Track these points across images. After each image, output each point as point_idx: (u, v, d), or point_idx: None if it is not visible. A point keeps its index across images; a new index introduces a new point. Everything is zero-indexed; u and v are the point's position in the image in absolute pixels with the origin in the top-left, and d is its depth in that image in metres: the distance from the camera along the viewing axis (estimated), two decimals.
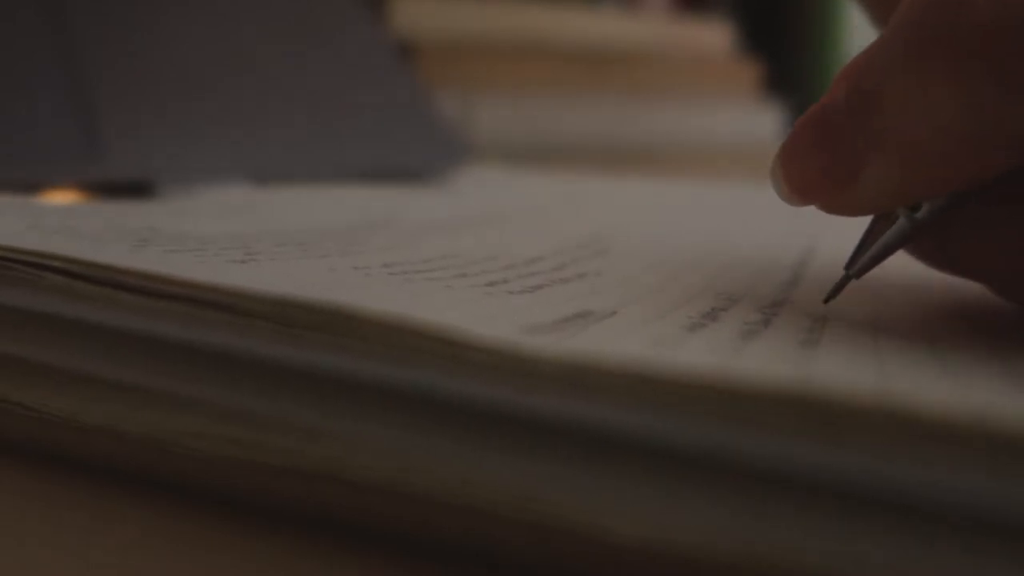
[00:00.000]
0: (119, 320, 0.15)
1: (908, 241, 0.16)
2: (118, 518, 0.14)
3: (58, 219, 0.21)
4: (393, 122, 0.42)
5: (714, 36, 0.92)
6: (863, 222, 0.16)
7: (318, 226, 0.24)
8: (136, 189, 0.31)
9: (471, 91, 0.65)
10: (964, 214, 0.15)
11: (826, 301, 0.16)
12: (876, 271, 0.16)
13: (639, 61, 0.80)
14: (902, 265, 0.17)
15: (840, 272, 0.16)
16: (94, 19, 0.34)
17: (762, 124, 0.88)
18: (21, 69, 0.31)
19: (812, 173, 0.15)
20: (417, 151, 0.42)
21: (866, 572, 0.11)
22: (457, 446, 0.12)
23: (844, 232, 0.17)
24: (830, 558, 0.11)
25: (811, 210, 0.16)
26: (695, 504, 0.11)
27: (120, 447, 0.15)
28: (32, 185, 0.29)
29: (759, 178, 0.17)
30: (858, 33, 1.03)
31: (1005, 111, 0.13)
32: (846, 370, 0.12)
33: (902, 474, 0.10)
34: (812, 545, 0.11)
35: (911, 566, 0.10)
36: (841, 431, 0.11)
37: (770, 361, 0.13)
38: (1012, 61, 0.13)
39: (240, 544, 0.13)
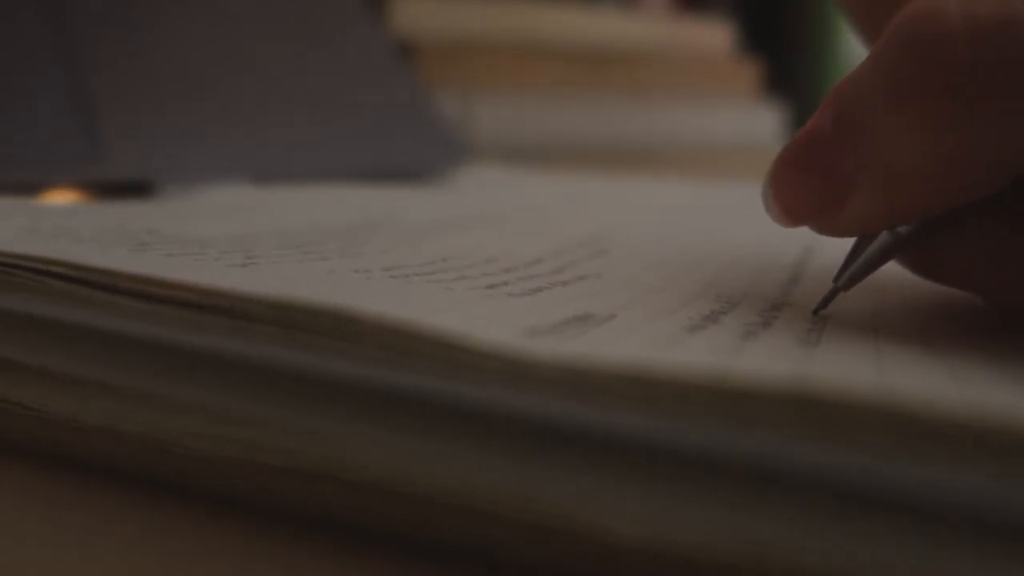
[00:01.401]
0: (120, 324, 0.15)
1: (894, 255, 0.16)
2: (118, 518, 0.14)
3: (58, 221, 0.21)
4: (393, 122, 0.42)
5: (714, 36, 0.92)
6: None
7: (318, 226, 0.24)
8: (136, 189, 0.31)
9: (471, 91, 0.65)
10: (950, 227, 0.16)
11: (815, 312, 0.16)
12: (876, 271, 0.17)
13: (639, 61, 0.80)
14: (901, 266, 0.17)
15: (830, 283, 0.17)
16: (94, 19, 0.34)
17: (762, 124, 0.88)
18: (21, 69, 0.31)
19: (801, 196, 0.16)
20: (417, 151, 0.42)
21: (866, 572, 0.11)
22: (457, 447, 0.12)
23: None
24: (830, 558, 0.11)
25: None
26: (695, 504, 0.11)
27: (120, 447, 0.15)
28: (32, 185, 0.29)
29: (759, 178, 0.17)
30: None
31: (981, 142, 0.14)
32: (846, 370, 0.12)
33: (902, 474, 0.10)
34: (812, 545, 0.11)
35: (911, 566, 0.10)
36: (841, 431, 0.11)
37: (770, 361, 0.13)
38: (984, 96, 0.14)
39: (240, 544, 0.13)
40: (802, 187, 0.16)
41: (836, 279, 0.16)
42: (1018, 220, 0.15)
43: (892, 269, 0.17)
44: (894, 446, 0.10)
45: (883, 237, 0.16)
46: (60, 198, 0.30)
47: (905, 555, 0.10)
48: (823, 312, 0.16)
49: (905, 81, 0.14)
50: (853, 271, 0.16)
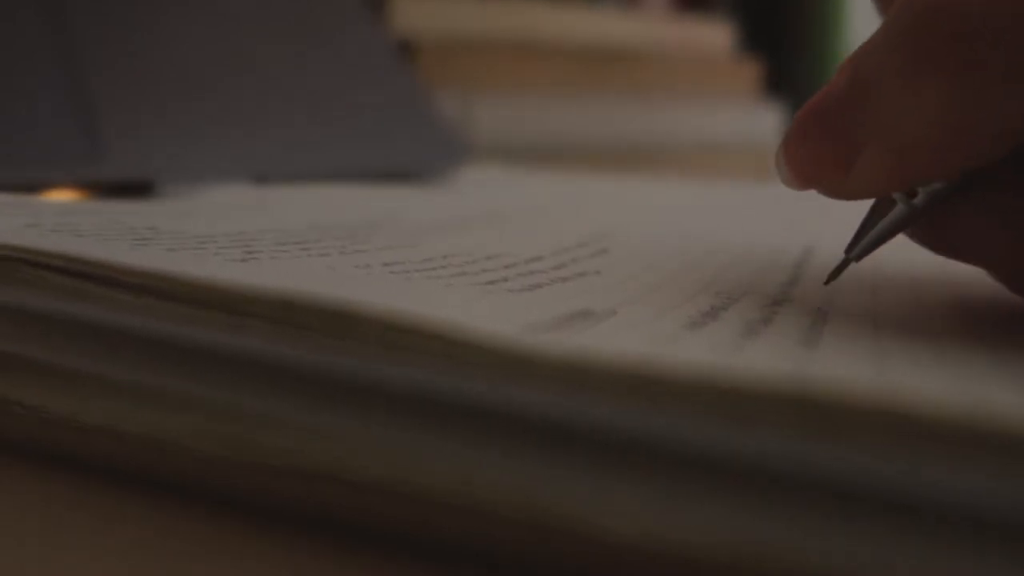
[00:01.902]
0: (119, 319, 0.15)
1: (905, 226, 0.17)
2: (118, 518, 0.14)
3: (58, 218, 0.21)
4: (393, 122, 0.42)
5: (714, 36, 0.92)
6: (862, 214, 0.17)
7: (318, 225, 0.24)
8: (136, 189, 0.31)
9: (471, 91, 0.65)
10: (961, 199, 0.16)
11: (827, 283, 0.17)
12: (878, 268, 0.17)
13: (639, 61, 0.80)
14: (904, 260, 0.17)
15: (841, 256, 0.17)
16: (94, 19, 0.34)
17: (762, 124, 0.88)
18: (21, 69, 0.31)
19: (812, 158, 0.16)
20: (417, 151, 0.42)
21: (866, 572, 0.11)
22: (457, 446, 0.12)
23: (843, 232, 0.17)
24: (830, 558, 0.11)
25: (811, 208, 0.16)
26: (695, 504, 0.11)
27: (120, 447, 0.15)
28: (32, 185, 0.29)
29: (759, 177, 0.17)
30: (858, 33, 1.03)
31: (990, 109, 0.14)
32: (847, 368, 0.12)
33: (902, 474, 0.10)
34: (812, 545, 0.11)
35: (911, 566, 0.10)
36: (841, 431, 0.11)
37: (770, 359, 0.13)
38: (993, 62, 0.14)
39: (240, 544, 0.13)
40: (813, 148, 0.16)
41: (848, 250, 0.17)
42: (1021, 190, 0.16)
43: (894, 263, 0.17)
44: (894, 446, 0.10)
45: (896, 210, 0.16)
46: (60, 197, 0.30)
47: (905, 555, 0.10)
48: (832, 282, 0.17)
49: (916, 47, 0.15)
50: (865, 243, 0.17)
